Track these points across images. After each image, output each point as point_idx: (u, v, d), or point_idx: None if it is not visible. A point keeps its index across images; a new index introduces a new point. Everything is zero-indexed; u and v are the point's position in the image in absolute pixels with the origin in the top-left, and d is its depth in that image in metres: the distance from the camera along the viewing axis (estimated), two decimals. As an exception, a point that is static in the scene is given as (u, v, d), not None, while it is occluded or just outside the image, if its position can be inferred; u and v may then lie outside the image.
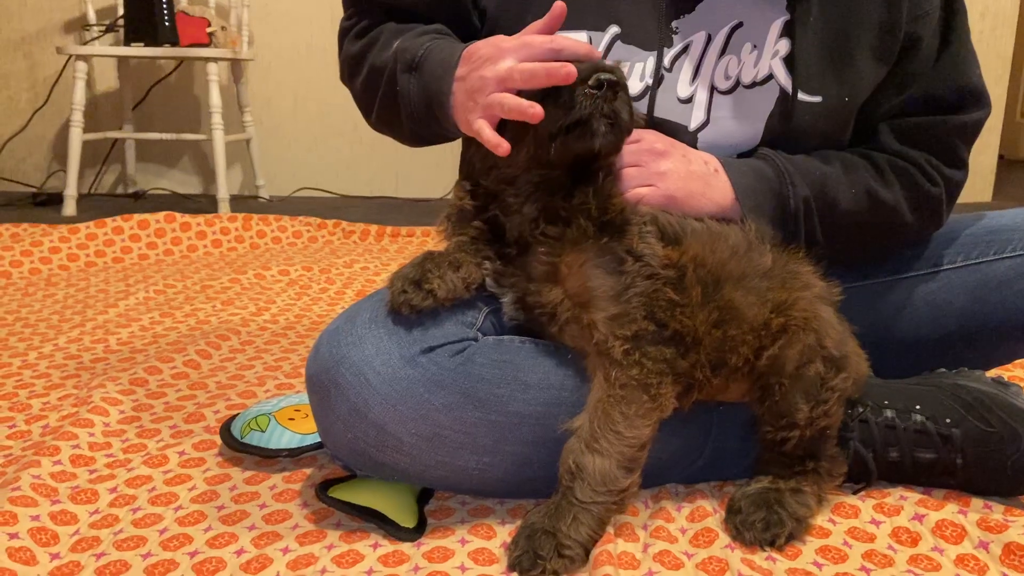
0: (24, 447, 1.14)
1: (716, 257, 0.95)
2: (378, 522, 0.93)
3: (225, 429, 1.13)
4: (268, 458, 1.10)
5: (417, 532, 0.94)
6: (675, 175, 1.01)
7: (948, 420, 1.01)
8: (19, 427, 1.22)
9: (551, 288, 0.92)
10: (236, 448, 1.09)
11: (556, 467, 0.91)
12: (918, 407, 1.02)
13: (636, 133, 1.02)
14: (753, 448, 1.02)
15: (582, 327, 0.92)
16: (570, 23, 1.07)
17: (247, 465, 1.10)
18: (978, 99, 1.11)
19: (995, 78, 3.87)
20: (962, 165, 1.12)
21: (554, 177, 0.92)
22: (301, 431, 1.10)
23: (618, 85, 0.84)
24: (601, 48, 1.07)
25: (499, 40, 0.92)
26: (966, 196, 3.88)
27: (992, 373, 1.10)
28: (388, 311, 0.94)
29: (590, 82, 0.84)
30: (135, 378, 1.39)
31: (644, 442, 0.91)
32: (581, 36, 1.07)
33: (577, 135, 0.86)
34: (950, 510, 0.97)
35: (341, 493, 0.96)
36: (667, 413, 0.92)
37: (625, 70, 1.07)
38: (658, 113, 1.08)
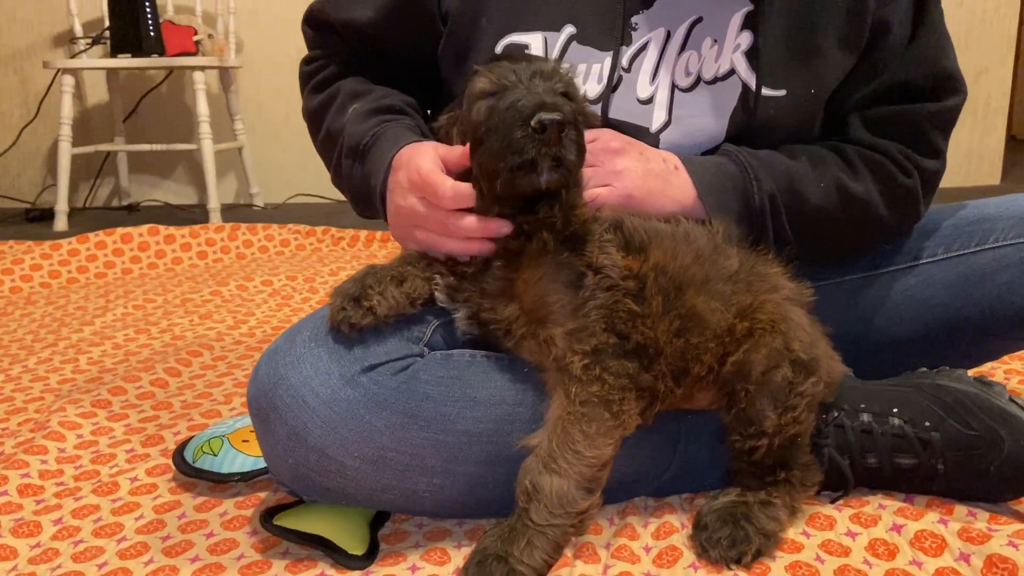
0: (-26, 477, 1.10)
1: (678, 263, 0.90)
2: (326, 550, 0.89)
3: (178, 453, 1.09)
4: (221, 483, 1.06)
5: (367, 559, 0.89)
6: (633, 174, 0.96)
7: (927, 424, 0.95)
8: (-26, 456, 1.19)
9: (507, 304, 0.88)
10: (188, 473, 1.05)
11: (513, 486, 0.86)
12: (896, 410, 0.97)
13: (592, 132, 0.97)
14: (724, 458, 0.97)
15: (539, 342, 0.87)
16: (525, 24, 1.03)
17: (200, 490, 1.06)
18: (953, 85, 1.05)
19: (1000, 58, 3.78)
20: (938, 155, 1.07)
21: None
22: (255, 453, 1.06)
23: (562, 126, 0.79)
24: (556, 50, 1.03)
25: (414, 172, 0.90)
26: (973, 179, 3.85)
27: (980, 371, 1.04)
28: (328, 328, 0.90)
29: (532, 123, 0.79)
30: (98, 399, 1.35)
31: (605, 461, 0.86)
32: (536, 37, 1.03)
33: (522, 175, 0.81)
34: (930, 519, 0.91)
35: (287, 520, 0.92)
36: (630, 431, 0.87)
37: (581, 72, 1.03)
38: (617, 115, 1.03)
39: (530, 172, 0.81)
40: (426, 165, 0.89)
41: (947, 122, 1.06)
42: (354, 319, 0.88)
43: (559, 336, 0.85)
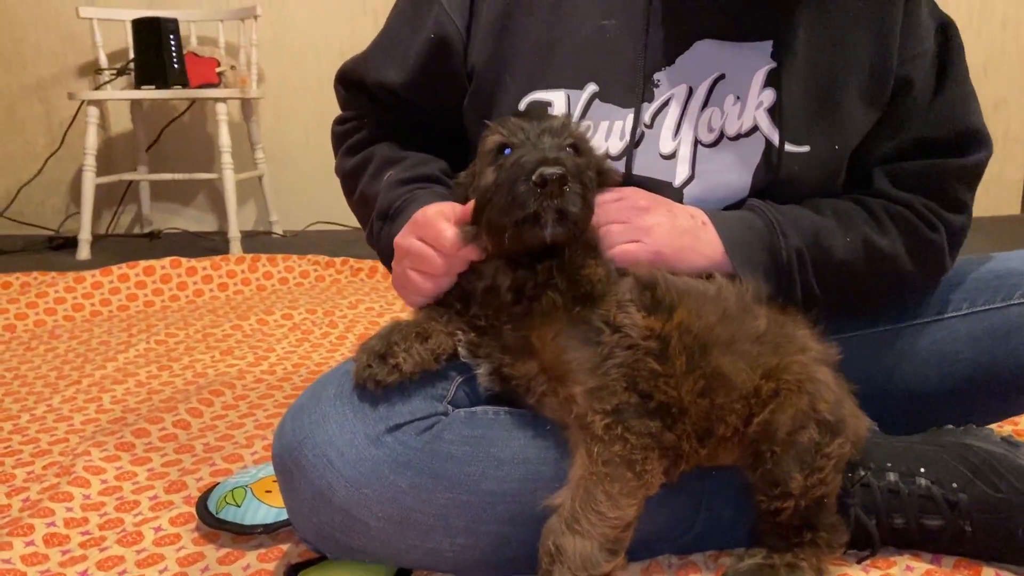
0: (0, 524, 1.11)
1: (703, 322, 0.90)
2: (349, 608, 0.89)
3: (202, 503, 1.09)
4: (244, 535, 1.06)
5: (390, 617, 0.89)
6: (661, 230, 0.96)
7: (955, 484, 0.94)
8: (0, 500, 1.20)
9: (525, 361, 0.88)
10: (211, 524, 1.06)
11: (537, 545, 0.86)
12: (923, 470, 0.96)
13: (618, 191, 0.98)
14: (749, 515, 0.96)
15: (560, 400, 0.87)
16: (548, 82, 1.04)
17: (223, 542, 1.06)
18: (978, 140, 1.05)
19: (1019, 88, 3.76)
20: (964, 209, 1.06)
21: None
22: (278, 505, 1.06)
23: (564, 179, 0.80)
24: (579, 107, 1.03)
25: (419, 216, 0.93)
26: (992, 209, 3.83)
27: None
28: (354, 386, 0.90)
29: (533, 178, 0.80)
30: (122, 442, 1.36)
31: (629, 522, 0.86)
32: (559, 95, 1.04)
33: (526, 229, 0.82)
34: (959, 583, 0.90)
35: (311, 576, 0.92)
36: (654, 490, 0.87)
37: (603, 130, 1.03)
38: (640, 171, 1.03)
39: (534, 226, 0.82)
40: (432, 210, 0.92)
41: (973, 177, 1.06)
42: (380, 376, 0.88)
43: (579, 395, 0.85)
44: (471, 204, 0.90)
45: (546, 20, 1.04)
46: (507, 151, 0.86)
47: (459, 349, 0.93)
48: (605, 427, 0.84)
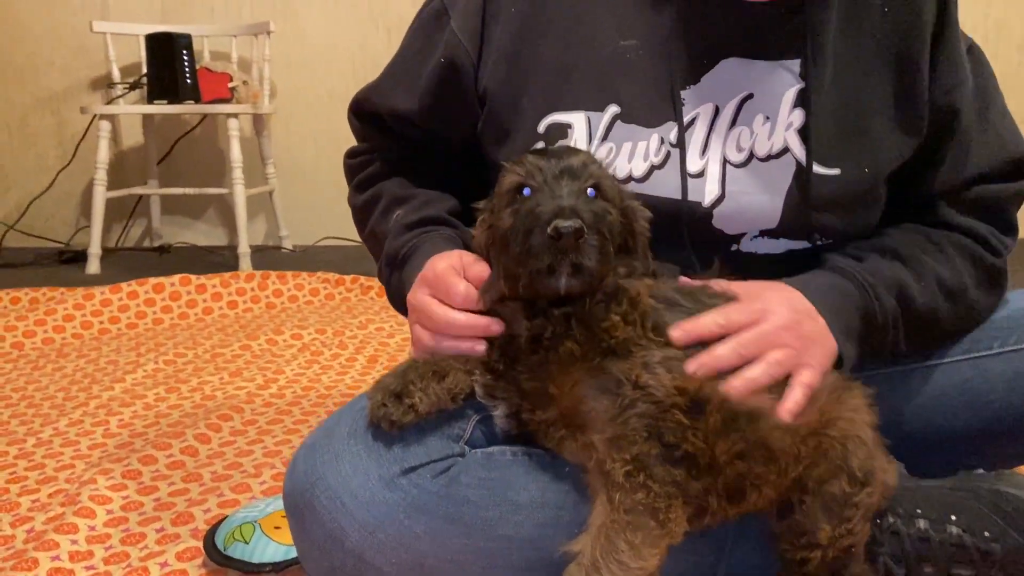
0: (4, 557, 1.09)
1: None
2: (360, 655, 0.86)
3: (209, 539, 1.07)
4: (252, 572, 1.03)
5: (402, 665, 0.86)
6: (796, 355, 0.87)
7: (987, 534, 0.91)
8: (4, 531, 1.17)
9: (544, 407, 0.85)
10: (219, 562, 1.03)
11: (554, 592, 0.83)
12: (954, 517, 0.93)
13: (731, 310, 0.87)
14: (774, 563, 0.93)
15: (580, 445, 0.84)
16: (567, 104, 1.01)
17: (230, 578, 1.04)
18: None
19: (1035, 109, 3.73)
20: (1016, 231, 1.05)
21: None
22: (287, 542, 1.04)
23: (580, 232, 0.77)
24: (600, 130, 1.01)
25: (429, 270, 0.91)
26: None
27: None
28: (368, 424, 0.88)
29: (548, 231, 0.77)
30: (128, 470, 1.34)
31: (651, 572, 0.82)
32: (579, 117, 1.01)
33: (540, 280, 0.80)
34: (992, 638, 0.87)
35: (321, 621, 0.89)
36: (678, 540, 0.83)
37: (626, 151, 1.00)
38: (666, 192, 1.00)
39: (548, 277, 0.80)
40: (441, 264, 0.90)
41: (1021, 200, 1.05)
42: (395, 416, 0.85)
43: (599, 442, 0.82)
44: (480, 265, 0.88)
45: (562, 41, 1.02)
46: (526, 191, 0.84)
47: (476, 388, 0.90)
48: (626, 474, 0.81)
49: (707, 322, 0.85)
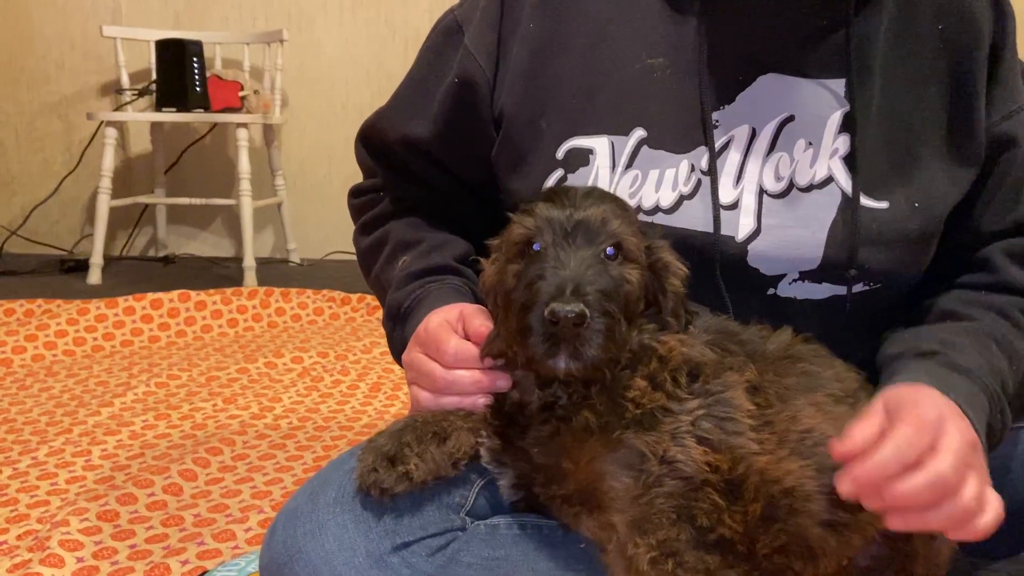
0: (-42, 611, 0.99)
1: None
2: None
3: (182, 601, 0.97)
4: (226, 642, 0.93)
5: None
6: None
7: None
8: (-37, 578, 1.08)
9: (559, 482, 0.75)
10: (191, 628, 0.93)
11: None
12: (1020, 611, 0.82)
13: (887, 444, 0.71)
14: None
15: (599, 523, 0.74)
16: (589, 127, 0.92)
17: (203, 648, 0.94)
18: None
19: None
20: None
21: None
22: (267, 608, 0.93)
23: (581, 318, 0.68)
24: (625, 156, 0.91)
25: (421, 329, 0.85)
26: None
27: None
28: (356, 490, 0.78)
29: (546, 314, 0.68)
30: (105, 510, 1.24)
31: None
32: (601, 142, 0.91)
33: (539, 360, 0.71)
34: None
35: None
36: None
37: (652, 179, 0.90)
38: (697, 226, 0.90)
39: (546, 359, 0.70)
40: (435, 321, 0.83)
41: None
42: (386, 484, 0.75)
43: (620, 523, 0.72)
44: (481, 327, 0.80)
45: (584, 60, 0.92)
46: (536, 246, 0.74)
47: (481, 452, 0.80)
48: (651, 561, 0.71)
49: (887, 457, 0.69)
